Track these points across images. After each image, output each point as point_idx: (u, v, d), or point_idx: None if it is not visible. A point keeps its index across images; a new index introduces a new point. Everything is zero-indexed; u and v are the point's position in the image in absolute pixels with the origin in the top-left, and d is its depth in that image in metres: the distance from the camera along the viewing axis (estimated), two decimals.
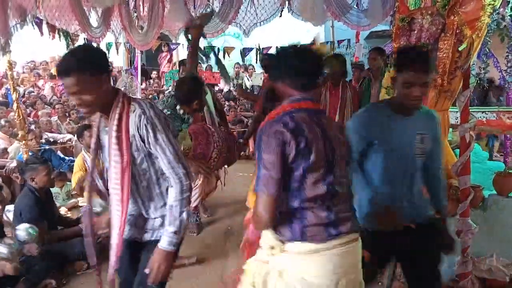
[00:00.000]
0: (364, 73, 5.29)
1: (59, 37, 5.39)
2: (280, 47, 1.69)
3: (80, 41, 5.83)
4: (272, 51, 8.39)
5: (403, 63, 1.84)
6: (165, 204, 1.80)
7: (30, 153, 4.76)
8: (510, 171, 3.27)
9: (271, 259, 1.56)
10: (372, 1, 6.24)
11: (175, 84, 3.23)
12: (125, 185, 1.71)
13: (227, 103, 9.59)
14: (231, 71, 10.53)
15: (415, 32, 2.61)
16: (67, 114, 7.96)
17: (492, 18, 2.42)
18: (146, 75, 10.96)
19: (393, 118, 1.92)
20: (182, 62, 4.72)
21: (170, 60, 11.13)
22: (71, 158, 6.10)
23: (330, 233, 1.50)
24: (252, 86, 10.27)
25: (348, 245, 1.53)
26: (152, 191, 1.82)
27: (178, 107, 3.31)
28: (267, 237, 1.58)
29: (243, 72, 11.07)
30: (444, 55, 2.31)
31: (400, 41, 2.74)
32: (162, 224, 1.81)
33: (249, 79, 10.84)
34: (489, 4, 2.07)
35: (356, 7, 6.66)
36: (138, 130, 1.69)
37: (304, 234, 1.49)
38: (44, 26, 5.16)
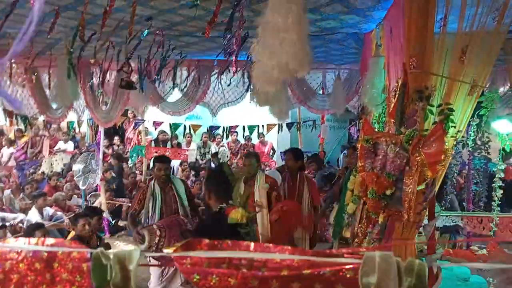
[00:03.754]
0: (340, 171, 5.38)
1: (17, 122, 5.17)
2: None
3: (39, 122, 5.64)
4: (239, 129, 8.45)
5: None
6: None
7: None
8: None
9: None
10: (335, 87, 6.50)
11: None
12: None
13: (192, 172, 9.46)
14: (198, 141, 10.51)
15: (380, 157, 2.60)
16: (21, 187, 7.51)
17: (455, 149, 2.45)
18: (111, 143, 10.71)
19: None
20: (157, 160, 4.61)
21: (135, 128, 10.93)
22: None
23: None
24: (217, 152, 10.16)
25: None
26: None
27: None
28: None
29: (211, 141, 11.01)
30: (410, 190, 2.28)
31: (365, 162, 2.72)
32: None
33: (215, 147, 10.78)
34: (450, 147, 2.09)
35: (321, 92, 6.90)
36: None
37: None
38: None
